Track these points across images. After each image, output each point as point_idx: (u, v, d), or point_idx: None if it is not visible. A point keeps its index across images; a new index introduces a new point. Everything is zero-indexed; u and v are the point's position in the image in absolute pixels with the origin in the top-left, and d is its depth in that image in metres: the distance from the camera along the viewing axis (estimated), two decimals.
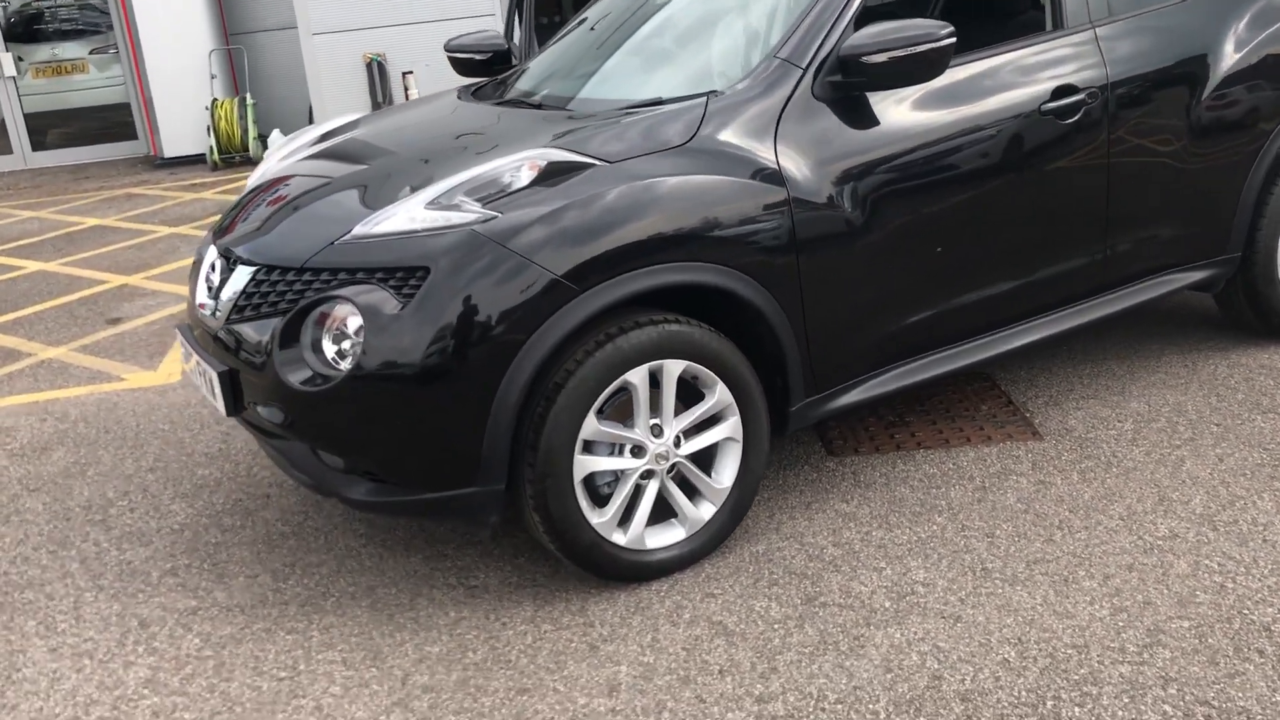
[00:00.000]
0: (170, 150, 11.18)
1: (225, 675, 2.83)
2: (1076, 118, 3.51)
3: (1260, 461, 3.45)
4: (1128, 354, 4.34)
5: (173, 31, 10.93)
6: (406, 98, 9.94)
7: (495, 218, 2.82)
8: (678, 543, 3.10)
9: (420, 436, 2.81)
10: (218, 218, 3.72)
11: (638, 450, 2.99)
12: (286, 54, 11.68)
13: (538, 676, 2.75)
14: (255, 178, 3.79)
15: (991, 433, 3.78)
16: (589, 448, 2.93)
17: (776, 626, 2.86)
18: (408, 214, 2.88)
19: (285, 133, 10.96)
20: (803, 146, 3.13)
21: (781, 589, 3.02)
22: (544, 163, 2.94)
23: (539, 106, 3.64)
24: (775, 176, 3.07)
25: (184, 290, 6.50)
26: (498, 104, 3.82)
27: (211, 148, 10.74)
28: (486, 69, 4.68)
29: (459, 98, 4.07)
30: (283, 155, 3.87)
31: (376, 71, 10.15)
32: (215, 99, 10.88)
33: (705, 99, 3.15)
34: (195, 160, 11.20)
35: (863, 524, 3.30)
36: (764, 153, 3.09)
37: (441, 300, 2.74)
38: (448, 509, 2.92)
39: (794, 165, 3.10)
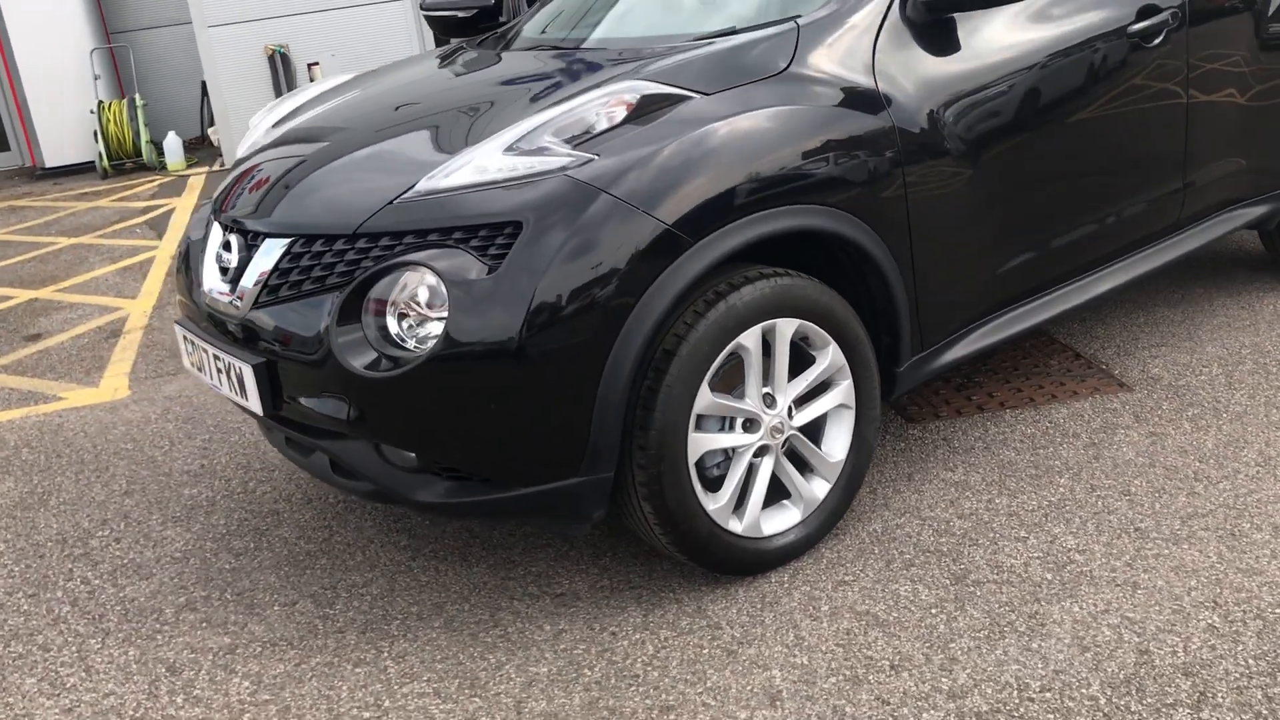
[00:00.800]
0: (52, 159, 10.30)
1: None
2: (1159, 40, 3.25)
3: None
4: (1177, 301, 4.13)
5: (46, 30, 10.05)
6: None
7: (591, 160, 2.40)
8: (794, 526, 2.73)
9: (517, 422, 2.37)
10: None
11: (750, 424, 2.61)
12: (177, 50, 10.92)
13: (678, 691, 2.34)
14: (245, 148, 3.28)
15: (1076, 387, 3.51)
16: (700, 424, 2.53)
17: (934, 611, 2.51)
18: (483, 162, 2.44)
19: (181, 135, 10.22)
20: (900, 72, 2.79)
21: (921, 569, 2.67)
22: (635, 97, 2.52)
23: (585, 50, 3.19)
24: (878, 104, 2.72)
25: (107, 301, 5.87)
26: (530, 50, 3.36)
27: (100, 154, 9.90)
28: (468, 28, 4.20)
29: (468, 50, 3.61)
30: (271, 124, 3.37)
31: (280, 64, 9.51)
32: (101, 101, 10.06)
33: (794, 22, 2.78)
34: (82, 169, 10.33)
35: (979, 492, 2.98)
36: (864, 80, 2.74)
37: (538, 260, 2.30)
38: (545, 505, 2.47)
39: (895, 92, 2.75)
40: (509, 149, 2.44)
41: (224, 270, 2.73)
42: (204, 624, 2.75)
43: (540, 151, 2.43)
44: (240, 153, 3.25)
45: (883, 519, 2.89)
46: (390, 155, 2.69)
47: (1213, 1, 3.44)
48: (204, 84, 10.11)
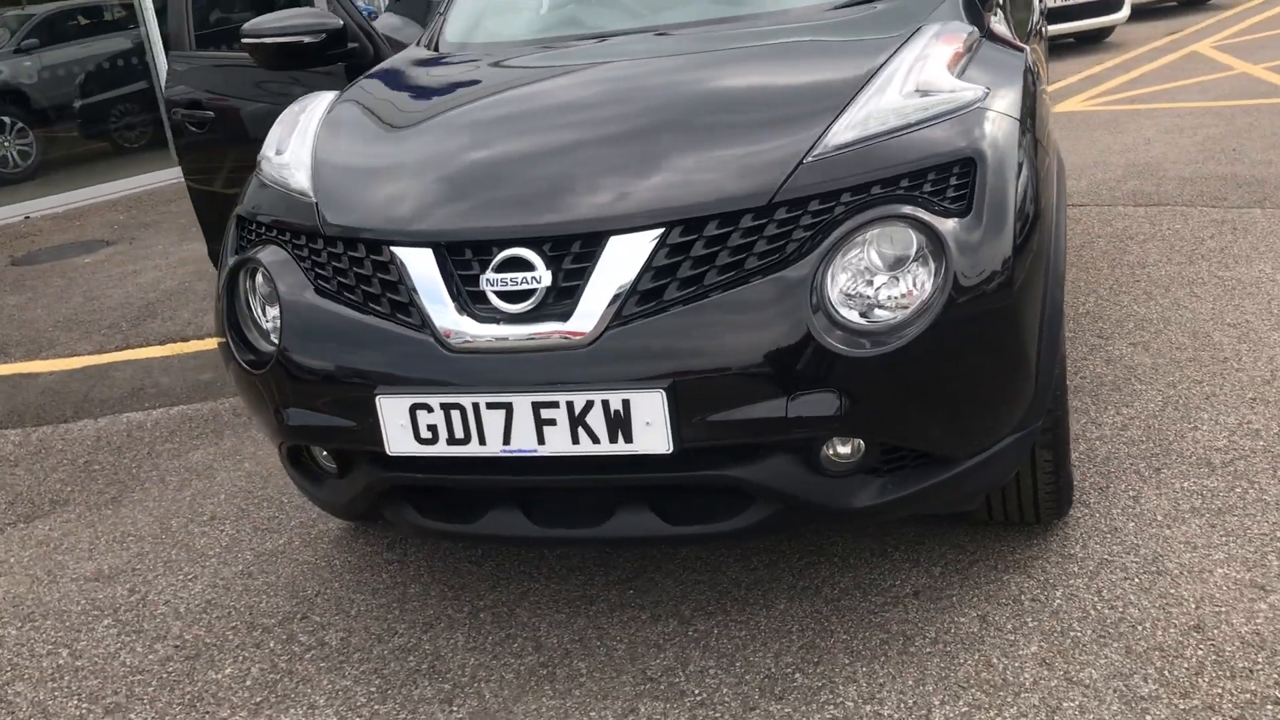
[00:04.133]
0: None
1: None
2: None
3: None
4: None
5: None
6: None
7: (988, 92, 2.30)
8: None
9: (992, 377, 2.18)
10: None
11: None
12: None
13: None
14: (301, 149, 2.65)
15: None
16: None
17: None
18: (889, 106, 2.23)
19: None
20: None
21: None
22: (966, 35, 2.52)
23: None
24: None
25: None
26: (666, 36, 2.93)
27: None
28: (310, 59, 3.44)
29: (516, 64, 2.99)
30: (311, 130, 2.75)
31: None
32: None
33: None
34: None
35: None
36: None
37: (1001, 195, 2.15)
38: (980, 476, 2.27)
39: None
40: (904, 94, 2.27)
41: (513, 295, 2.17)
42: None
43: (934, 91, 2.28)
44: (293, 160, 2.64)
45: None
46: (720, 122, 2.33)
47: None
48: None
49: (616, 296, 2.10)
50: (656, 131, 2.34)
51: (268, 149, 2.75)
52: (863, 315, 2.09)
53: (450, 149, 2.48)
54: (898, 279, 2.10)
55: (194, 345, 5.13)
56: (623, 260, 2.11)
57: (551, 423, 2.12)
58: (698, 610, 2.59)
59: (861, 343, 2.06)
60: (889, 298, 2.10)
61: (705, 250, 2.10)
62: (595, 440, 2.11)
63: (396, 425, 2.21)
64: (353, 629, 2.71)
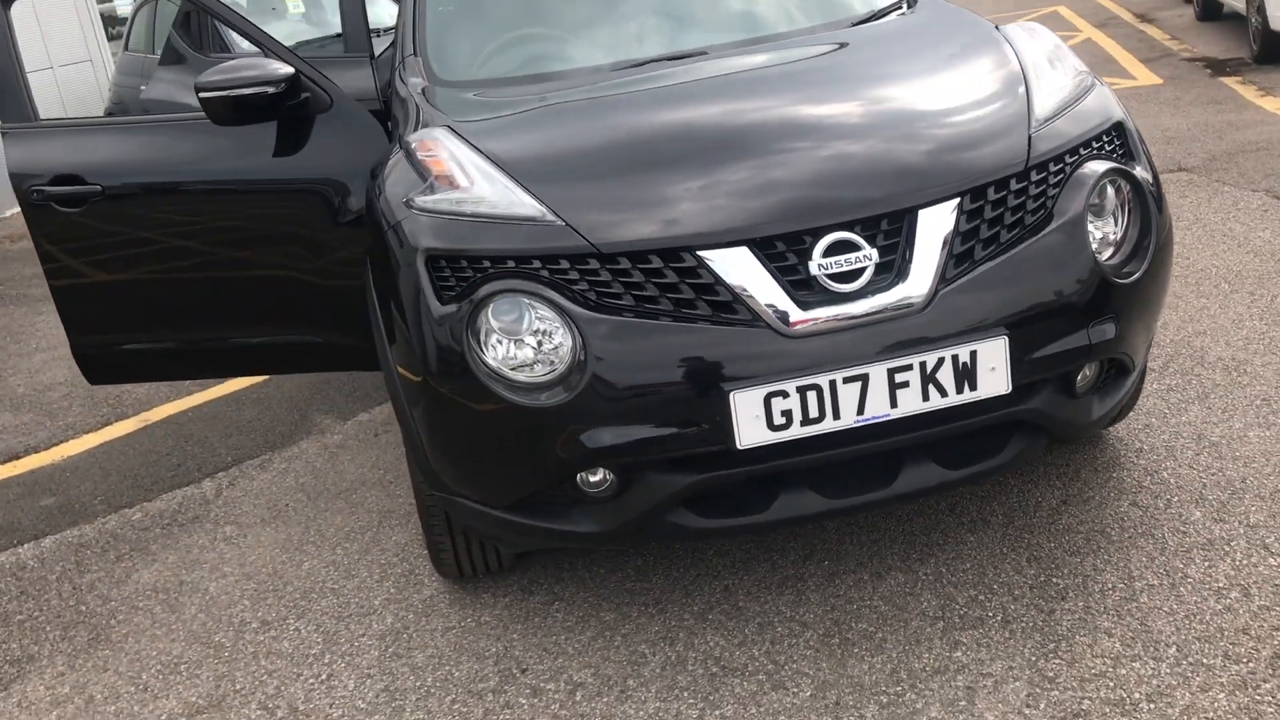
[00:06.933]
0: None
1: None
2: None
3: None
4: None
5: None
6: None
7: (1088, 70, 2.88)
8: None
9: (1162, 297, 2.70)
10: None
11: None
12: None
13: None
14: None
15: None
16: None
17: None
18: (1057, 85, 2.68)
19: None
20: None
21: None
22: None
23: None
24: None
25: None
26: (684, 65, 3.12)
27: None
28: (270, 108, 3.18)
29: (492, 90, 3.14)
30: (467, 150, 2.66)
31: None
32: None
33: None
34: None
35: None
36: None
37: (1143, 148, 2.73)
38: (1136, 386, 2.78)
39: None
40: (1055, 75, 2.72)
41: (844, 277, 2.30)
42: None
43: (1068, 72, 2.76)
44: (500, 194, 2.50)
45: None
46: (930, 110, 2.62)
47: None
48: None
49: (937, 262, 2.32)
50: (881, 121, 2.60)
51: (419, 192, 2.55)
52: (1114, 249, 2.51)
53: (697, 152, 2.54)
54: (1116, 218, 2.55)
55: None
56: (933, 230, 2.35)
57: (905, 385, 2.29)
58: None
59: (1123, 272, 2.48)
60: (1120, 232, 2.53)
61: (993, 213, 2.40)
62: (943, 394, 2.31)
63: (750, 417, 2.26)
64: (566, 667, 2.63)
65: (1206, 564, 2.62)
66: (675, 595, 2.84)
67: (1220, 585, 2.54)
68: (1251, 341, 3.69)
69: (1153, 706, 2.24)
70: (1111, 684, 2.31)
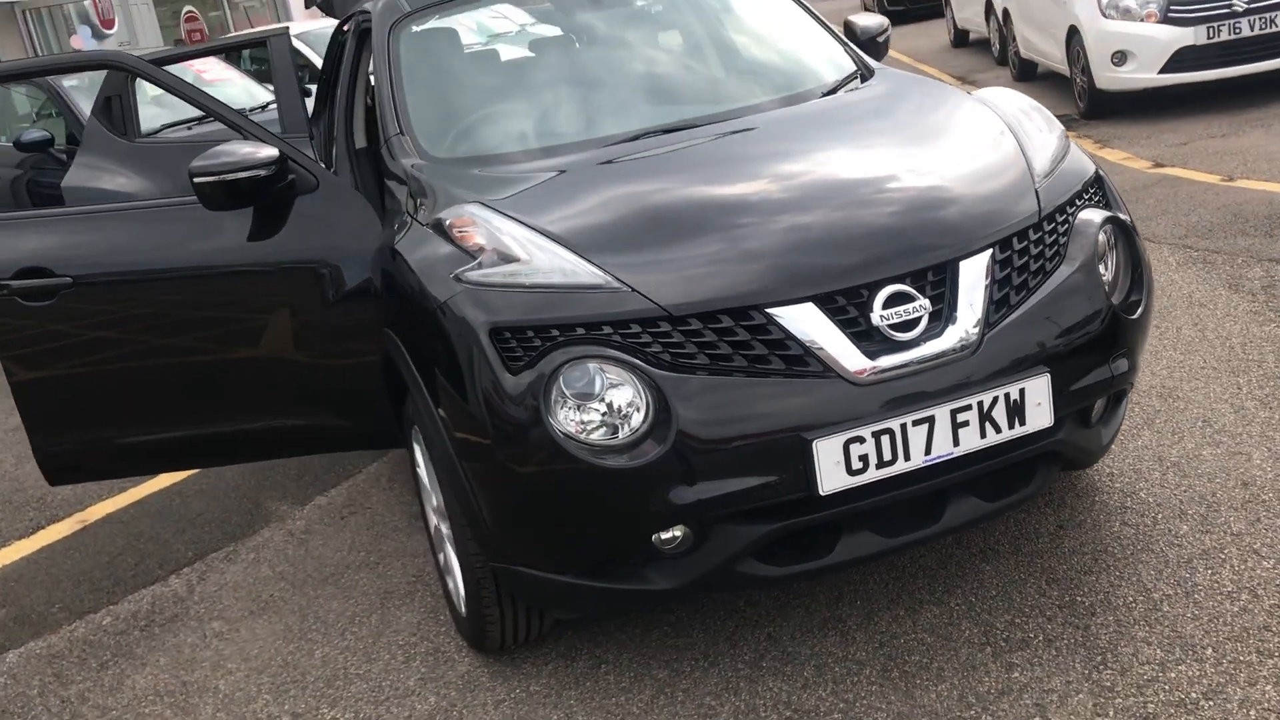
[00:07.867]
0: None
1: None
2: None
3: None
4: None
5: None
6: None
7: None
8: None
9: (1148, 328, 2.92)
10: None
11: None
12: None
13: None
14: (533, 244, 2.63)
15: None
16: None
17: None
18: (1045, 144, 2.93)
19: None
20: None
21: None
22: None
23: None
24: None
25: None
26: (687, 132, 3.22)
27: None
28: (262, 191, 3.16)
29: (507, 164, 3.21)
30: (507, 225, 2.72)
31: None
32: None
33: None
34: None
35: None
36: None
37: (1117, 194, 3.04)
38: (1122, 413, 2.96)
39: None
40: (1042, 134, 3.00)
41: (903, 326, 2.46)
42: None
43: (1049, 132, 3.06)
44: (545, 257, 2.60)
45: None
46: (939, 171, 2.80)
47: None
48: None
49: (981, 307, 2.52)
50: (911, 182, 2.77)
51: (468, 268, 2.58)
52: (1113, 288, 2.75)
53: (744, 213, 2.67)
54: (1108, 261, 2.80)
55: None
56: (973, 279, 2.54)
57: (966, 424, 2.46)
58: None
59: (1128, 307, 2.75)
60: (1113, 273, 2.79)
61: (1019, 261, 2.62)
62: (998, 430, 2.49)
63: (831, 464, 2.38)
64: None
65: (1210, 572, 2.86)
66: (721, 647, 2.91)
67: (1229, 589, 2.78)
68: (1174, 369, 4.04)
69: (1212, 704, 2.43)
70: (1167, 687, 2.50)
